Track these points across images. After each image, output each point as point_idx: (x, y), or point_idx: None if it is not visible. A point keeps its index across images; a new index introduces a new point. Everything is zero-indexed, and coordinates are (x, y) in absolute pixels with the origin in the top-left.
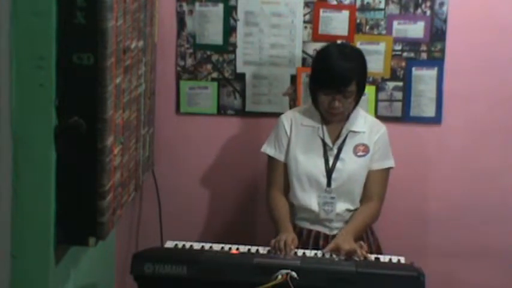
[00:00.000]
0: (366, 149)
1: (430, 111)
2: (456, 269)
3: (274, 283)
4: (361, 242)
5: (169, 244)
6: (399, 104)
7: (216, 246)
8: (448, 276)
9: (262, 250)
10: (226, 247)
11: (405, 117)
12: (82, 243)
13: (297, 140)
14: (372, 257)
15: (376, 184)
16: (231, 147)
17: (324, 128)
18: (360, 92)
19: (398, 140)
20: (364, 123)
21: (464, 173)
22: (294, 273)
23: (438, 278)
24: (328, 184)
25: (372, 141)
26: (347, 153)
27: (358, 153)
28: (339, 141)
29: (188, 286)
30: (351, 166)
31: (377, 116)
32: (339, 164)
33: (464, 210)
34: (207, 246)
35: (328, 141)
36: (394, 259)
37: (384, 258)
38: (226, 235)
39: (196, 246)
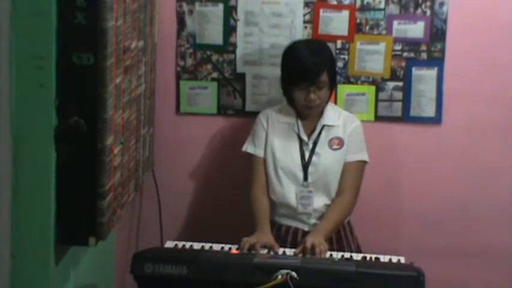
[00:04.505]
0: (341, 143)
1: (430, 111)
2: (456, 269)
3: (274, 283)
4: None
5: (169, 244)
6: (399, 104)
7: (216, 246)
8: (448, 276)
9: (262, 250)
10: (226, 247)
11: (405, 117)
12: (82, 243)
13: (274, 136)
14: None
15: (349, 176)
16: (231, 147)
17: (299, 123)
18: (332, 81)
19: (398, 140)
20: (338, 118)
21: (464, 173)
22: (294, 273)
23: (438, 278)
24: (305, 178)
25: (346, 134)
26: (322, 147)
27: (333, 147)
28: (314, 136)
29: (188, 286)
30: (326, 159)
31: (377, 116)
32: (314, 158)
33: (464, 210)
34: (207, 246)
35: (303, 136)
36: (394, 259)
37: (384, 258)
38: (226, 235)
39: (196, 246)
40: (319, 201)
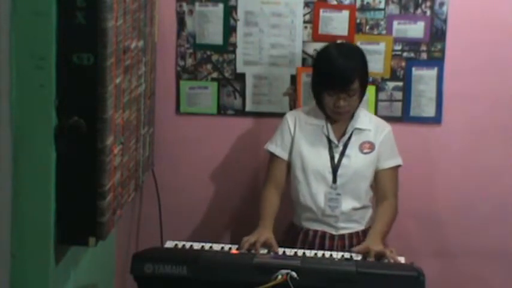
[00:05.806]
0: (372, 147)
1: (430, 111)
2: (456, 269)
3: (274, 283)
4: (392, 249)
5: (169, 244)
6: (399, 104)
7: (216, 246)
8: (448, 276)
9: (262, 250)
10: (226, 247)
11: (405, 117)
12: (82, 243)
13: (302, 137)
14: (402, 259)
15: (389, 182)
16: (231, 147)
17: (329, 126)
18: (363, 88)
19: (398, 140)
20: (369, 122)
21: (465, 172)
22: (294, 273)
23: (438, 278)
24: (334, 180)
25: (377, 139)
26: (353, 149)
27: (364, 151)
28: (345, 138)
29: (188, 286)
30: (357, 162)
31: (377, 116)
32: (344, 160)
33: (464, 210)
34: (207, 246)
35: (333, 138)
36: None
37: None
38: (226, 235)
39: (196, 246)
40: (347, 205)
